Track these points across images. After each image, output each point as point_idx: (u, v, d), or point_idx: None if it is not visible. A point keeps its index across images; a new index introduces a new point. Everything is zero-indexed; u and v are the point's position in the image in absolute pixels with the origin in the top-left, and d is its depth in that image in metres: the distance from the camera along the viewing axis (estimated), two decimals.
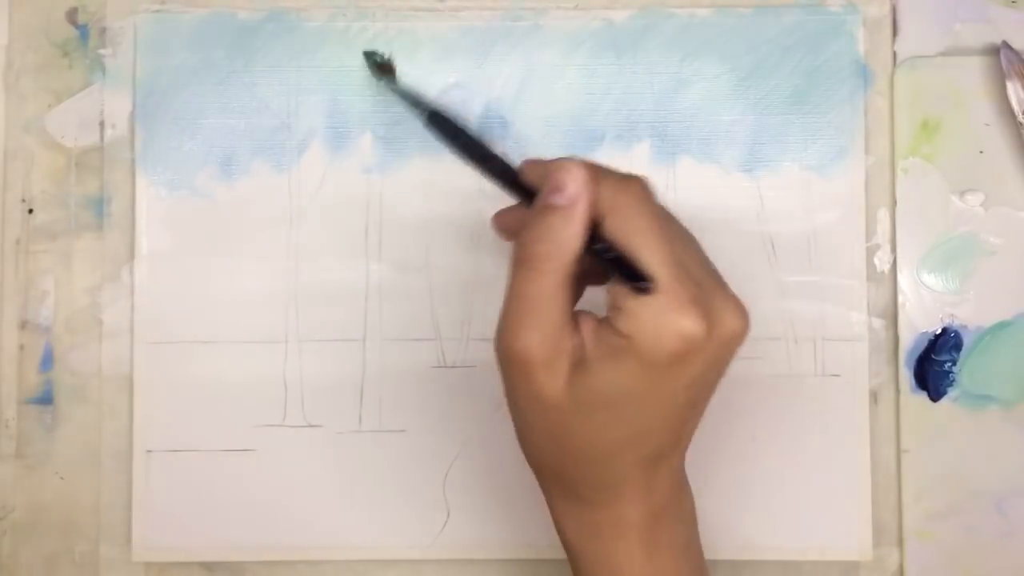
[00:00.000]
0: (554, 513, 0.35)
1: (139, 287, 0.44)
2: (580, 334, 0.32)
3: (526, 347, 0.32)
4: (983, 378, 0.43)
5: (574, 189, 0.32)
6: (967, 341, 0.43)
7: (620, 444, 0.33)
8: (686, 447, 0.35)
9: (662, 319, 0.31)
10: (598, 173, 0.33)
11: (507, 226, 0.36)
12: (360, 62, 0.44)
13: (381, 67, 0.43)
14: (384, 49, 0.44)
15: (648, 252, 0.31)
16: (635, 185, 0.33)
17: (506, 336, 0.32)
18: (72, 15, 0.45)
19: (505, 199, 0.36)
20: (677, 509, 0.35)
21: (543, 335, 0.32)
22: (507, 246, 0.44)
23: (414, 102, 0.39)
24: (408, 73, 0.45)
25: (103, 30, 0.45)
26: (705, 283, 0.32)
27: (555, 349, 0.32)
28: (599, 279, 0.34)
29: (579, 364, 0.32)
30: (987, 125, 0.44)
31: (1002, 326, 0.43)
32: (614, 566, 0.34)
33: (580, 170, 0.32)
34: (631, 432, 0.32)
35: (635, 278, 0.31)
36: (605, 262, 0.32)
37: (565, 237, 0.32)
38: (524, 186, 0.35)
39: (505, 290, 0.33)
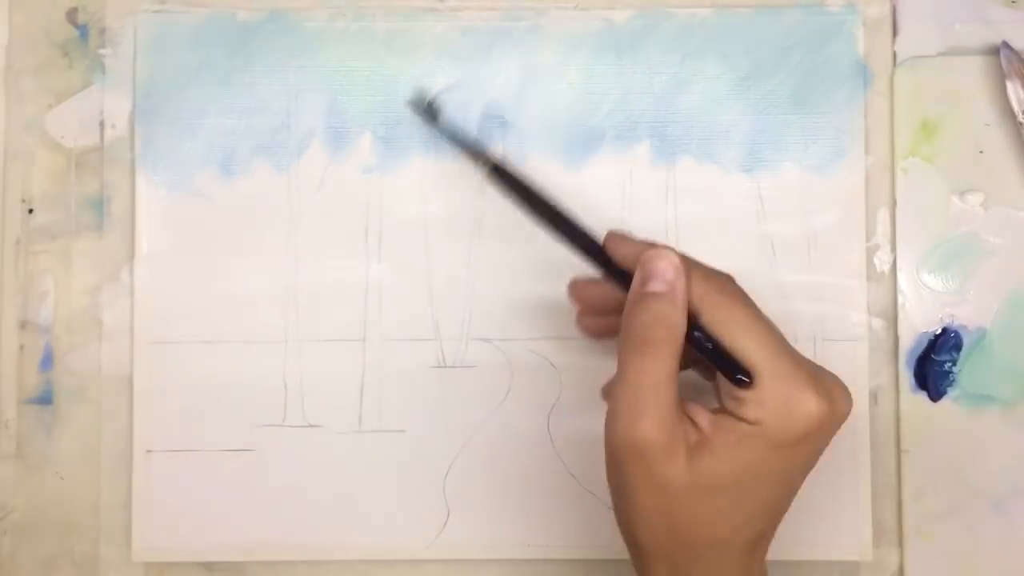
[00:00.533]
0: None
1: (139, 287, 0.44)
2: (693, 420, 0.33)
3: (646, 435, 0.32)
4: (983, 378, 0.43)
5: (673, 275, 0.33)
6: (967, 341, 0.43)
7: (737, 526, 0.34)
8: (777, 529, 0.36)
9: (791, 402, 0.32)
10: (688, 264, 0.34)
11: (585, 298, 0.38)
12: (405, 99, 0.43)
13: (429, 111, 0.42)
14: (428, 90, 0.44)
15: (754, 342, 0.33)
16: (728, 279, 0.35)
17: (623, 425, 0.33)
18: (72, 15, 0.45)
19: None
20: None
21: (662, 422, 0.33)
22: (506, 248, 0.44)
23: (472, 153, 0.40)
24: (408, 72, 0.45)
25: (103, 30, 0.45)
26: (811, 367, 0.34)
27: (673, 435, 0.33)
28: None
29: (697, 449, 0.33)
30: (987, 125, 0.44)
31: (1002, 326, 0.43)
32: None
33: (675, 257, 0.34)
34: (748, 514, 0.34)
35: (734, 370, 0.33)
36: (706, 352, 0.33)
37: (674, 323, 0.33)
38: (600, 253, 0.36)
39: (617, 379, 0.34)
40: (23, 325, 0.45)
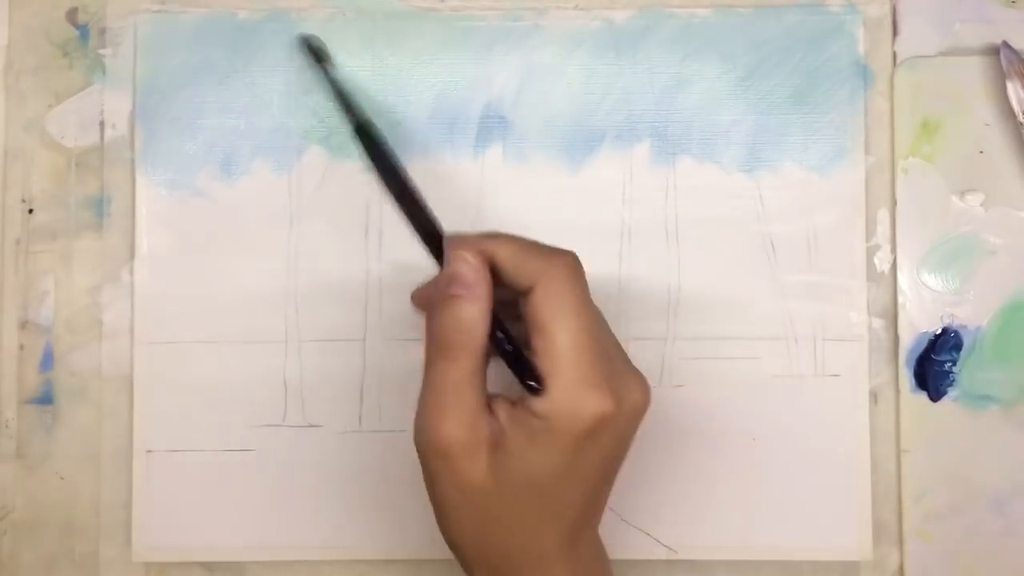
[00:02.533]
0: None
1: (139, 287, 0.44)
2: (496, 417, 0.34)
3: (447, 436, 0.33)
4: (983, 378, 0.43)
5: (472, 279, 0.33)
6: (967, 341, 0.43)
7: (542, 520, 0.34)
8: (600, 516, 0.36)
9: (576, 398, 0.33)
10: (521, 247, 0.34)
11: (423, 303, 0.37)
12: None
13: (316, 53, 0.43)
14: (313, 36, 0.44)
15: (566, 330, 0.33)
16: (566, 258, 0.34)
17: (426, 427, 0.34)
18: (72, 15, 0.45)
19: None
20: (593, 569, 0.36)
21: (462, 423, 0.33)
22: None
23: (345, 105, 0.39)
24: (408, 72, 0.45)
25: (103, 30, 0.45)
26: (615, 359, 0.34)
27: (474, 436, 0.33)
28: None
29: (497, 447, 0.33)
30: (987, 125, 0.44)
31: (1002, 326, 0.43)
32: None
33: (473, 259, 0.33)
34: (552, 508, 0.34)
35: (525, 376, 0.33)
36: (504, 355, 0.34)
37: (472, 325, 0.33)
38: (439, 248, 0.35)
39: (423, 381, 0.34)
40: (23, 325, 0.45)
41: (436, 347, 0.34)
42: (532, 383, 0.33)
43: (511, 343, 0.34)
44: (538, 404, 0.33)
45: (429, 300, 0.35)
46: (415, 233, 0.36)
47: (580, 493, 0.34)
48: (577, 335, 0.33)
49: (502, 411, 0.34)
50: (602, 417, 0.33)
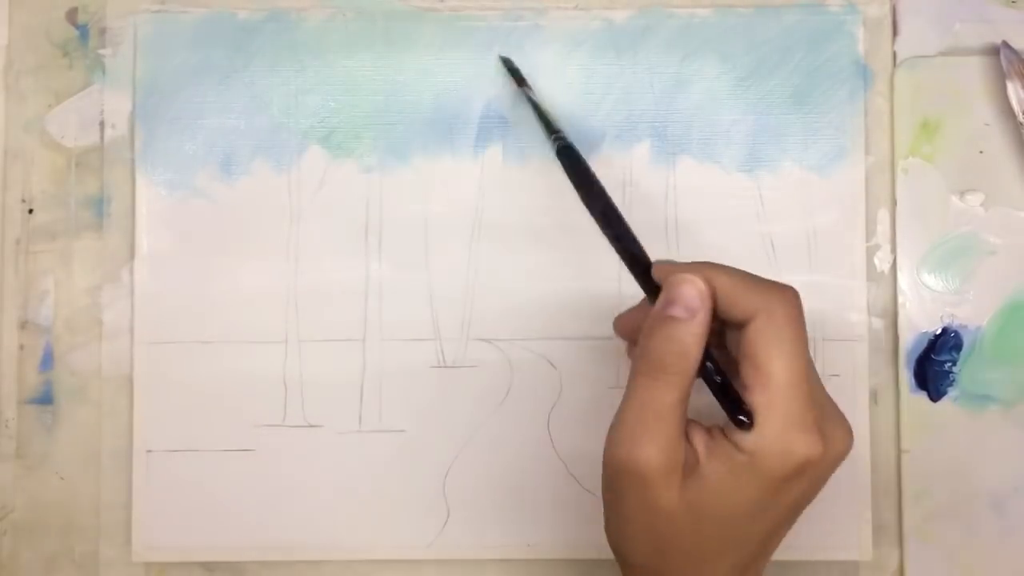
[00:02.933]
0: None
1: (139, 287, 0.44)
2: (692, 444, 0.33)
3: (646, 459, 0.32)
4: (983, 378, 0.43)
5: (697, 303, 0.33)
6: (967, 341, 0.43)
7: (722, 550, 0.34)
8: (771, 555, 0.35)
9: (787, 439, 0.32)
10: (741, 278, 0.34)
11: (626, 328, 0.38)
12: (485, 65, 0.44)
13: (516, 75, 0.43)
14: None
15: (785, 369, 0.32)
16: (788, 294, 0.34)
17: (624, 446, 0.33)
18: (72, 15, 0.45)
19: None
20: None
21: (663, 448, 0.32)
22: (506, 248, 0.44)
23: (548, 127, 0.40)
24: (408, 72, 0.45)
25: (103, 30, 0.45)
26: (825, 403, 0.34)
27: (673, 461, 0.33)
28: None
29: (691, 473, 0.33)
30: (987, 125, 0.44)
31: (1002, 326, 0.43)
32: None
33: (701, 284, 0.33)
34: (735, 540, 0.34)
35: (735, 411, 0.33)
36: (712, 385, 0.33)
37: (689, 351, 0.33)
38: (647, 272, 0.35)
39: (626, 397, 0.34)
40: (23, 325, 0.45)
41: (648, 367, 0.33)
42: (743, 418, 0.32)
43: (721, 374, 0.33)
44: (746, 440, 0.32)
45: (633, 324, 0.36)
46: (620, 255, 0.36)
47: (767, 530, 0.34)
48: (794, 374, 0.32)
49: (699, 439, 0.33)
50: (808, 461, 0.32)
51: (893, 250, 0.44)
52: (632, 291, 0.45)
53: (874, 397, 0.44)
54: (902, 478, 0.43)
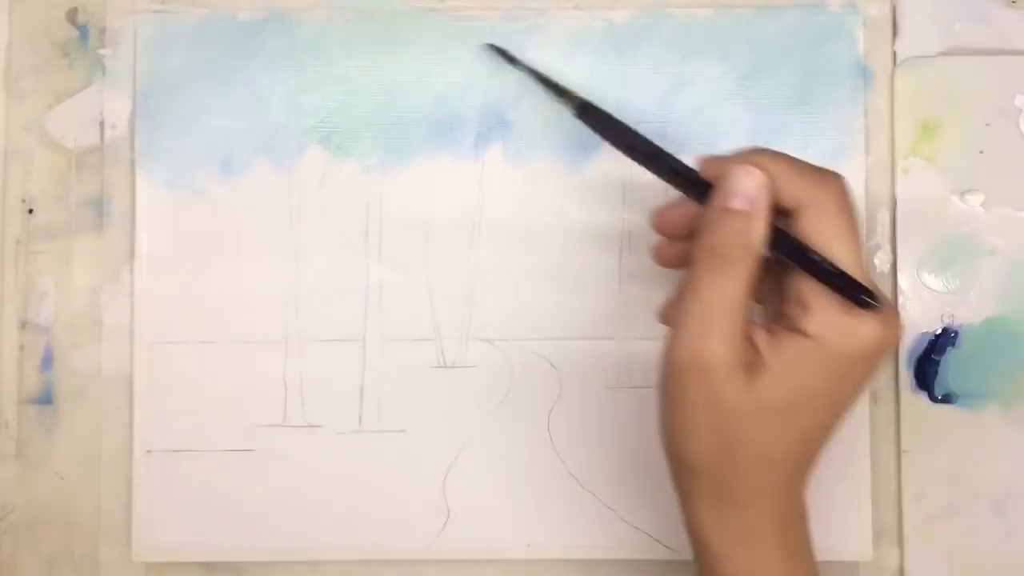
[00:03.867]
0: (697, 519, 0.35)
1: (139, 287, 0.44)
2: (751, 340, 0.33)
3: (712, 354, 0.32)
4: (983, 378, 0.43)
5: (755, 192, 0.33)
6: (967, 341, 0.43)
7: (788, 447, 0.34)
8: (819, 458, 0.35)
9: (850, 320, 0.32)
10: (789, 165, 0.33)
11: (671, 225, 0.37)
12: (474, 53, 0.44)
13: (505, 55, 0.43)
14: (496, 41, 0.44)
15: (846, 254, 0.33)
16: (837, 181, 0.34)
17: (690, 342, 0.33)
18: (72, 15, 0.45)
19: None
20: (804, 512, 0.36)
21: (730, 341, 0.32)
22: (506, 248, 0.44)
23: (560, 91, 0.39)
24: (408, 72, 0.45)
25: (103, 30, 0.45)
26: (879, 290, 0.34)
27: (739, 355, 0.33)
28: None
29: (755, 368, 0.33)
30: (987, 125, 0.44)
31: (1003, 326, 0.43)
32: (758, 570, 0.34)
33: (760, 175, 0.33)
34: (800, 435, 0.34)
35: (857, 291, 0.32)
36: (818, 271, 0.33)
37: (753, 242, 0.33)
38: (698, 181, 0.35)
39: (688, 294, 0.33)
40: (23, 325, 0.45)
41: (713, 261, 0.33)
42: (867, 299, 0.32)
43: (829, 264, 0.33)
44: (810, 323, 0.32)
45: (676, 219, 0.36)
46: (671, 182, 0.35)
47: (829, 419, 0.34)
48: (855, 257, 0.33)
49: (759, 336, 0.33)
50: (869, 341, 0.32)
51: (893, 250, 0.44)
52: (631, 291, 0.45)
53: (874, 397, 0.44)
54: (902, 478, 0.43)
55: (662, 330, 0.44)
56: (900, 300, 0.44)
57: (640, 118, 0.44)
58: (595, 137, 0.44)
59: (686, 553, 0.44)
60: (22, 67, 0.45)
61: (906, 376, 0.43)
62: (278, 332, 0.44)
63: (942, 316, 0.44)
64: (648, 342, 0.44)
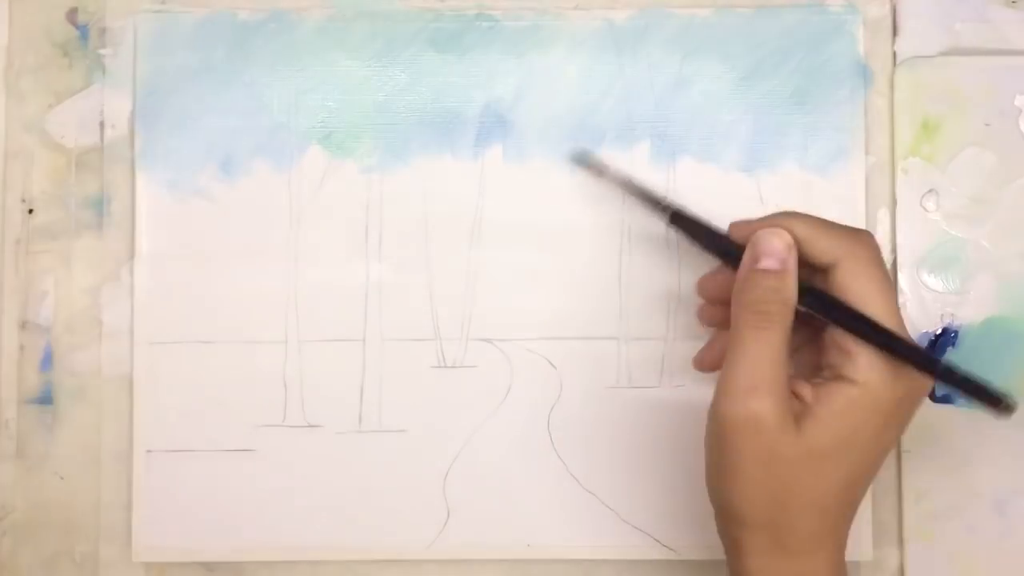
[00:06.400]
0: (749, 571, 0.35)
1: (139, 287, 0.44)
2: (795, 392, 0.35)
3: (763, 408, 0.34)
4: (983, 378, 0.43)
5: (784, 252, 0.35)
6: (967, 341, 0.43)
7: (838, 491, 0.35)
8: (856, 512, 0.37)
9: (893, 366, 0.34)
10: (819, 225, 0.36)
11: (707, 288, 0.40)
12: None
13: (596, 166, 0.43)
14: (585, 151, 0.44)
15: (883, 306, 0.34)
16: (869, 237, 0.36)
17: (739, 398, 0.34)
18: (72, 15, 0.45)
19: None
20: (845, 557, 0.37)
21: (778, 395, 0.34)
22: (506, 248, 0.44)
23: (651, 200, 0.41)
24: (408, 71, 0.45)
25: (103, 30, 0.45)
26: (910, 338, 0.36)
27: (787, 407, 0.34)
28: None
29: (804, 418, 0.34)
30: (987, 125, 0.44)
31: (1002, 326, 0.43)
32: None
33: (787, 235, 0.35)
34: (849, 478, 0.35)
35: (994, 401, 0.34)
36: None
37: (787, 297, 0.35)
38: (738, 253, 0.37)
39: (733, 352, 0.35)
40: (23, 325, 0.45)
41: (752, 318, 0.35)
42: (1003, 402, 0.34)
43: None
44: (854, 371, 0.34)
45: (715, 285, 0.38)
46: (721, 258, 0.38)
47: (875, 461, 0.35)
48: (890, 307, 0.35)
49: (803, 388, 0.35)
50: (912, 385, 0.34)
51: (893, 250, 0.44)
52: (631, 291, 0.45)
53: None
54: (902, 478, 0.43)
55: (662, 331, 0.44)
56: (900, 300, 0.44)
57: (640, 118, 0.44)
58: (595, 137, 0.44)
59: (686, 553, 0.44)
60: (22, 67, 0.45)
61: None
62: (278, 332, 0.44)
63: (942, 316, 0.44)
64: (648, 342, 0.44)
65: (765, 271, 0.35)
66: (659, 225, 0.44)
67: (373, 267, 0.44)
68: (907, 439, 0.43)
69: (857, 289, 0.35)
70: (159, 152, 0.45)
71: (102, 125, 0.45)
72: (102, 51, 0.45)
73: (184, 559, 0.44)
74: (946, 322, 0.44)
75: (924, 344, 0.43)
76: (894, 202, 0.44)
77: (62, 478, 0.44)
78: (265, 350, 0.44)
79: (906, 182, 0.44)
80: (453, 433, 0.44)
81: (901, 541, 0.43)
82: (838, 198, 0.44)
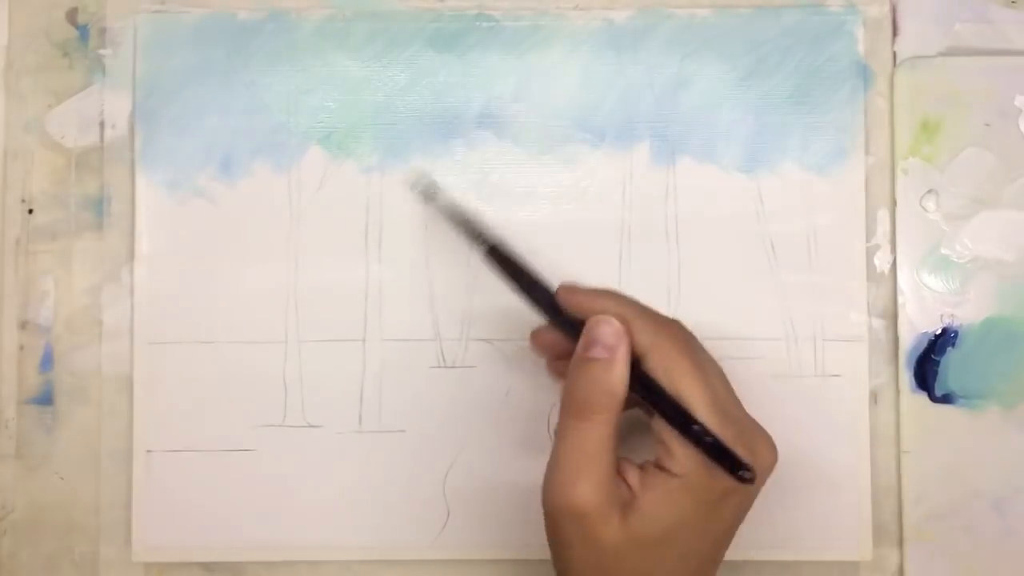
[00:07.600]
0: None
1: (139, 287, 0.44)
2: (625, 479, 0.34)
3: (583, 499, 0.33)
4: (983, 378, 0.43)
5: (614, 341, 0.34)
6: (967, 341, 0.43)
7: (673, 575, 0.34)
8: (719, 566, 0.36)
9: (713, 464, 0.33)
10: (635, 312, 0.35)
11: (543, 345, 0.39)
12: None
13: (425, 192, 0.43)
14: (423, 174, 0.44)
15: (692, 396, 0.34)
16: (674, 326, 0.36)
17: (560, 489, 0.34)
18: (72, 15, 0.45)
19: None
20: None
21: (598, 485, 0.33)
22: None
23: (472, 232, 0.40)
24: (408, 71, 0.45)
25: (103, 30, 0.45)
26: (741, 420, 0.35)
27: (610, 496, 0.34)
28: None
29: (630, 508, 0.34)
30: (987, 125, 0.44)
31: (1002, 326, 0.43)
32: None
33: (616, 323, 0.34)
34: (678, 566, 0.34)
35: (734, 466, 0.33)
36: (704, 446, 0.34)
37: (613, 389, 0.34)
38: (566, 317, 0.36)
39: (557, 440, 0.34)
40: (23, 325, 0.45)
41: (577, 409, 0.34)
42: (742, 472, 0.33)
43: (710, 434, 0.34)
44: (674, 464, 0.34)
45: (549, 341, 0.38)
46: (543, 314, 0.37)
47: (706, 549, 0.35)
48: (704, 394, 0.34)
49: (632, 474, 0.35)
50: (735, 481, 0.33)
51: (893, 250, 0.44)
52: (631, 290, 0.45)
53: (874, 397, 0.44)
54: (902, 478, 0.43)
55: None
56: (900, 300, 0.44)
57: (640, 118, 0.44)
58: (595, 137, 0.44)
59: None
60: (22, 67, 0.45)
61: (906, 376, 0.43)
62: (278, 332, 0.44)
63: (942, 316, 0.44)
64: None
65: (594, 360, 0.34)
66: (659, 225, 0.44)
67: (373, 267, 0.44)
68: (907, 439, 0.43)
69: (663, 381, 0.34)
70: (159, 152, 0.45)
71: (102, 125, 0.45)
72: (102, 51, 0.45)
73: (184, 559, 0.44)
74: (946, 322, 0.44)
75: (924, 344, 0.43)
76: (894, 202, 0.44)
77: (62, 478, 0.44)
78: (265, 350, 0.44)
79: (906, 182, 0.44)
80: (453, 433, 0.44)
81: (901, 541, 0.43)
82: (838, 198, 0.44)
